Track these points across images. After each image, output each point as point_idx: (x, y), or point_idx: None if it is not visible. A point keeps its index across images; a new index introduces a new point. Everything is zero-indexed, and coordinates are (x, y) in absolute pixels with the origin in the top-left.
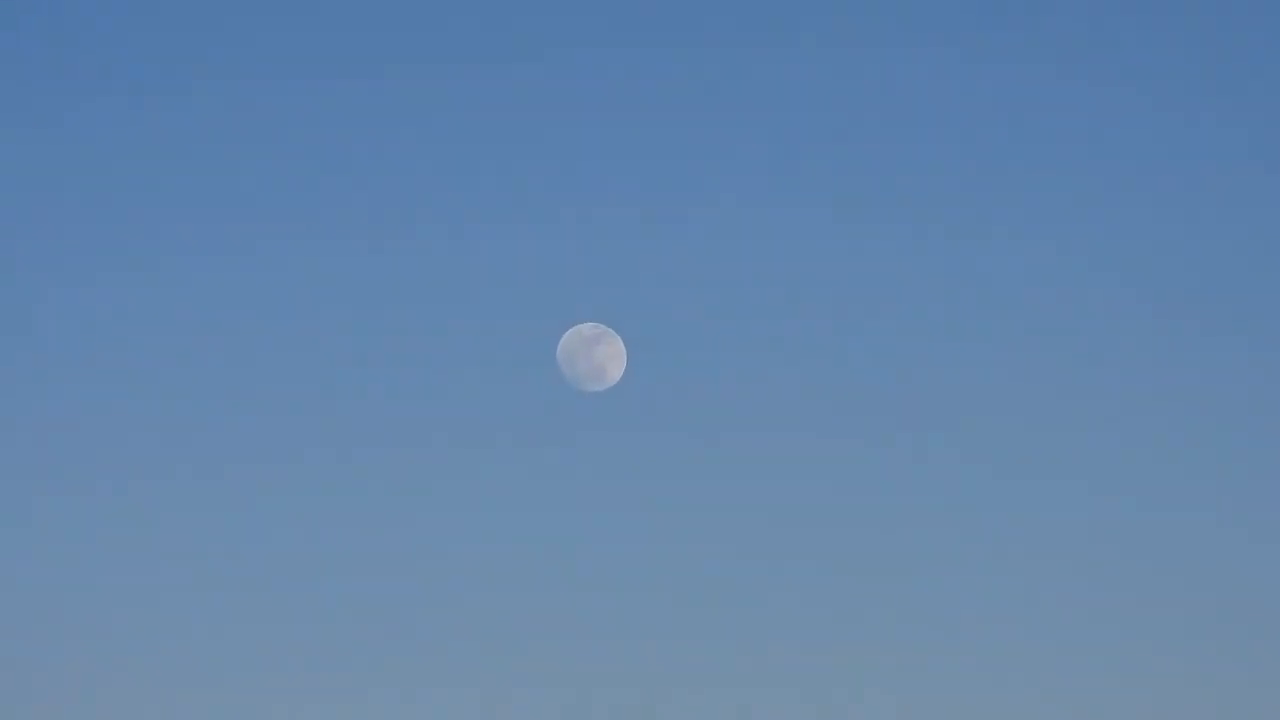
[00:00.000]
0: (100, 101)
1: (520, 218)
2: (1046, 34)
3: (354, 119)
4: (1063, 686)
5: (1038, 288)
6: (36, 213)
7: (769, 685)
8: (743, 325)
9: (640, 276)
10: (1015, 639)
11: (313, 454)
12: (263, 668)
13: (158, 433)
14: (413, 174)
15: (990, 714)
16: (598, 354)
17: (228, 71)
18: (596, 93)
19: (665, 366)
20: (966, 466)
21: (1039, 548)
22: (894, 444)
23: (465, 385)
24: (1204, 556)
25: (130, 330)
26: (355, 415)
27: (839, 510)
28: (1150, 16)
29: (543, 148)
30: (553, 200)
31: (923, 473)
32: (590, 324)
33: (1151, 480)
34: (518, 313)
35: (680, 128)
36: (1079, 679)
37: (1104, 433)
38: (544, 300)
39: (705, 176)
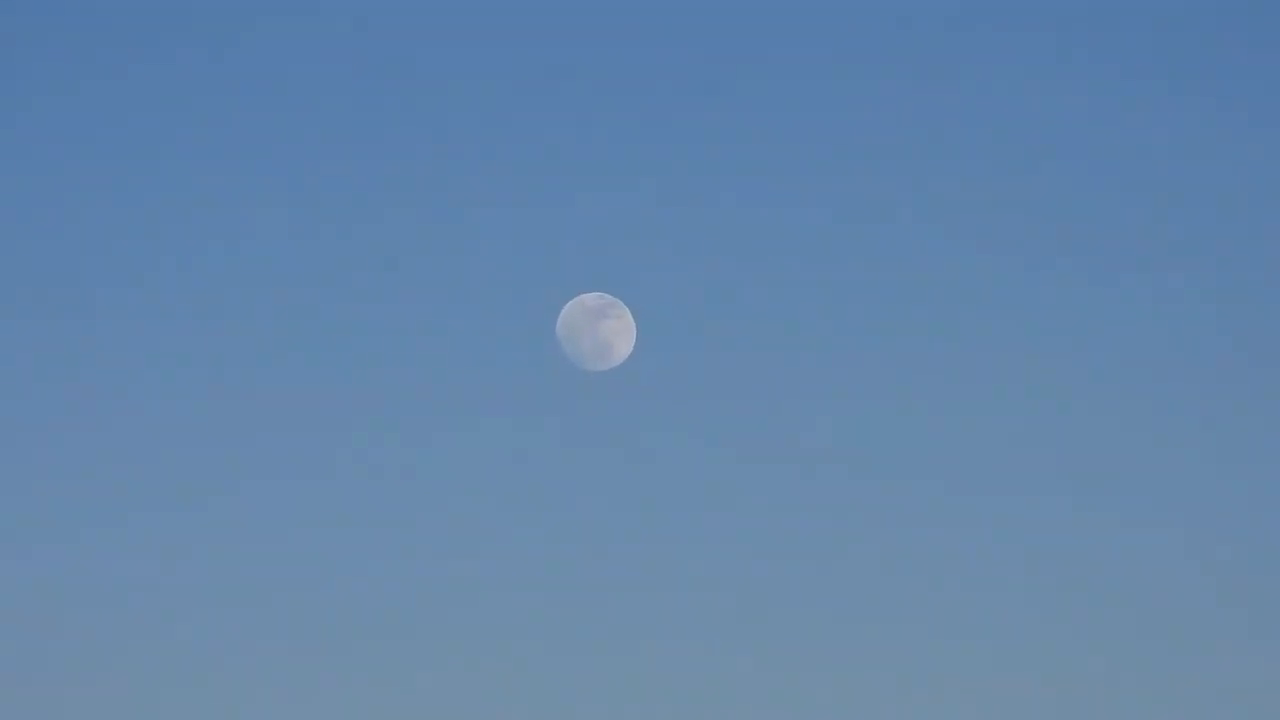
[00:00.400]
0: (104, 101)
1: (516, 182)
2: (1049, 30)
3: (348, 93)
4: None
5: (1039, 286)
6: (38, 213)
7: (781, 684)
8: (765, 297)
9: (651, 242)
10: (1027, 641)
11: (290, 442)
12: (257, 666)
13: (146, 422)
14: (403, 140)
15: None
16: (603, 328)
17: (218, 47)
18: (604, 54)
19: (679, 342)
20: (982, 461)
21: (1043, 548)
22: (917, 441)
23: (452, 363)
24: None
25: (118, 320)
26: (330, 394)
27: (858, 503)
28: (1157, 12)
29: (543, 113)
30: (553, 163)
31: (941, 471)
32: (594, 294)
33: (1156, 484)
34: (513, 282)
35: (696, 98)
36: (1076, 682)
37: (1106, 435)
38: (542, 269)
39: (725, 137)
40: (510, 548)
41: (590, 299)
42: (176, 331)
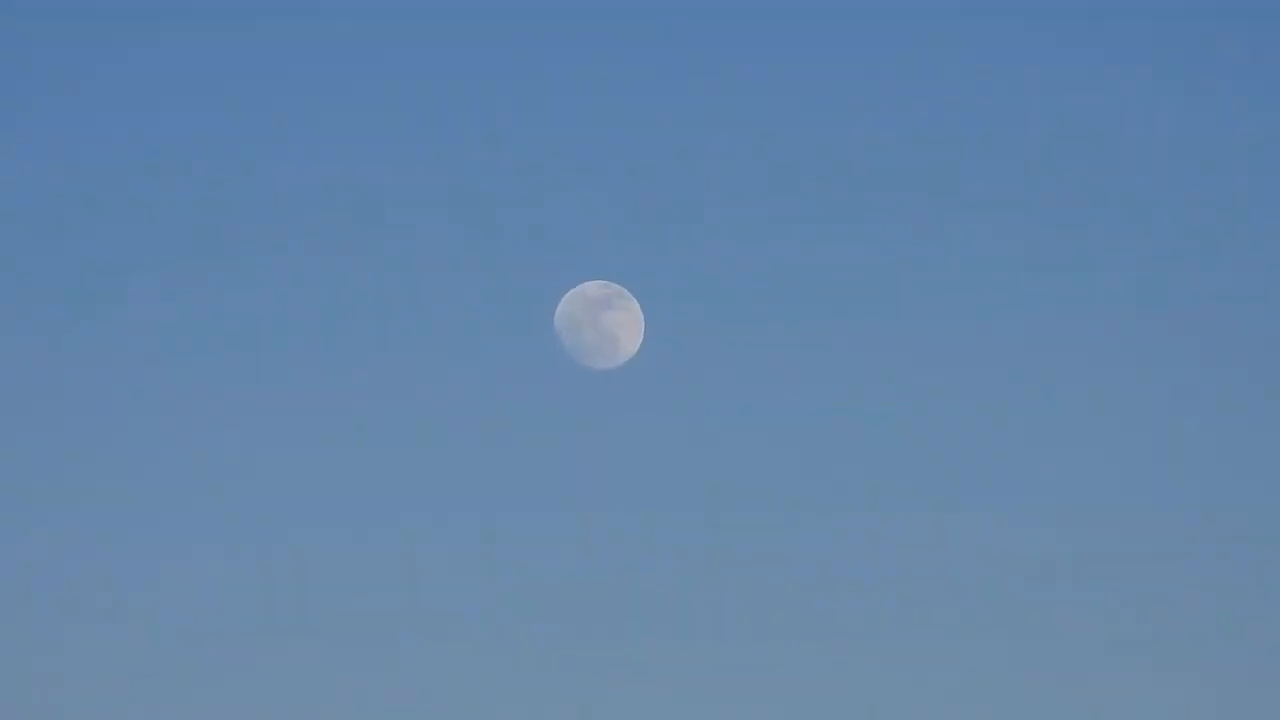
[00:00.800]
0: (130, 105)
1: (510, 160)
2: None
3: (340, 81)
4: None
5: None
6: (46, 221)
7: (795, 691)
8: (788, 287)
9: (660, 225)
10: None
11: (263, 445)
12: (252, 666)
13: (140, 419)
14: (388, 122)
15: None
16: (607, 320)
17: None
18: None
19: (691, 336)
20: (1003, 461)
21: (1036, 550)
22: (948, 438)
23: (437, 359)
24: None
25: (115, 318)
26: (303, 398)
27: (877, 506)
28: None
29: (545, 92)
30: (551, 140)
31: (966, 473)
32: (598, 282)
33: (1145, 486)
34: (506, 270)
35: (710, 80)
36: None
37: (1093, 439)
38: (539, 255)
39: (742, 118)
40: (505, 561)
41: (593, 288)
42: (169, 327)
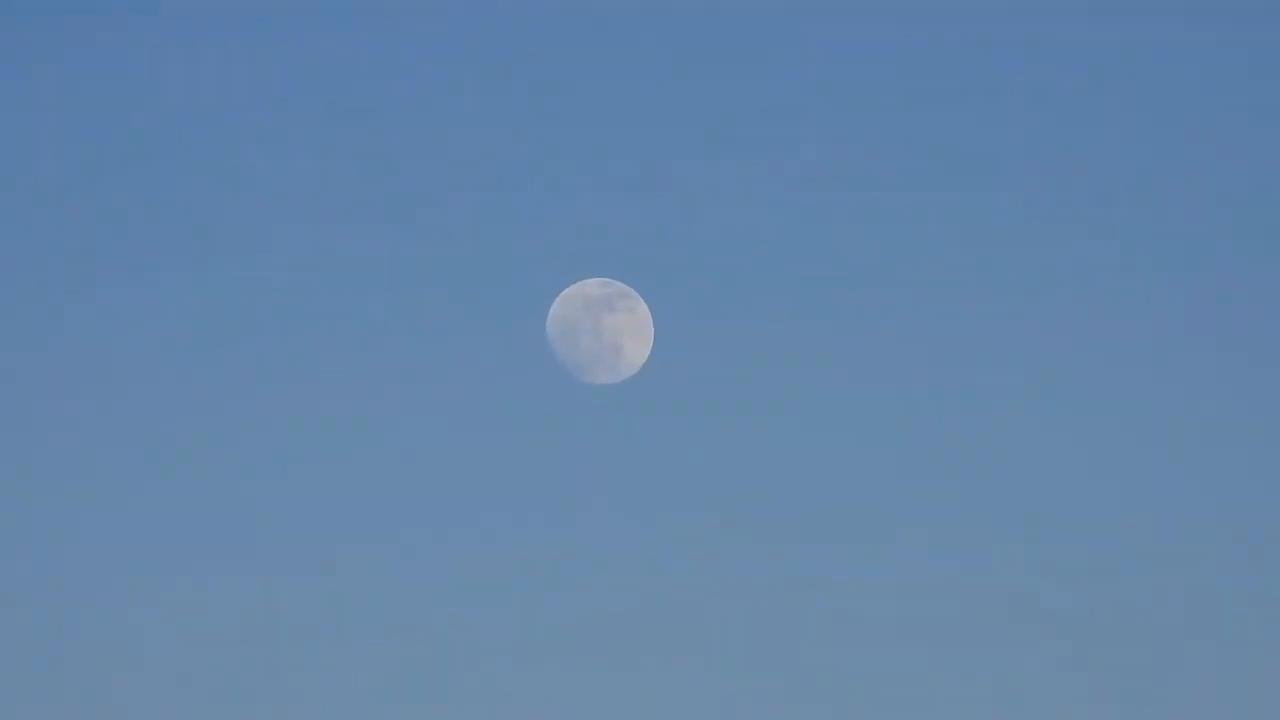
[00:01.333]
0: (105, 100)
1: (499, 146)
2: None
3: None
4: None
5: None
6: (44, 216)
7: (797, 700)
8: (812, 287)
9: (670, 217)
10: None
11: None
12: (251, 668)
13: (138, 420)
14: (384, 108)
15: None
16: (609, 325)
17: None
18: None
19: (705, 344)
20: (1022, 472)
21: (1044, 545)
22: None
23: (411, 372)
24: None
25: (117, 318)
26: (304, 397)
27: (890, 521)
28: None
29: (545, 76)
30: (546, 127)
31: (998, 489)
32: (599, 280)
33: (1145, 488)
34: (493, 267)
35: (724, 68)
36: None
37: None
38: (532, 248)
39: (754, 101)
40: (502, 568)
41: (593, 286)
42: (166, 327)
